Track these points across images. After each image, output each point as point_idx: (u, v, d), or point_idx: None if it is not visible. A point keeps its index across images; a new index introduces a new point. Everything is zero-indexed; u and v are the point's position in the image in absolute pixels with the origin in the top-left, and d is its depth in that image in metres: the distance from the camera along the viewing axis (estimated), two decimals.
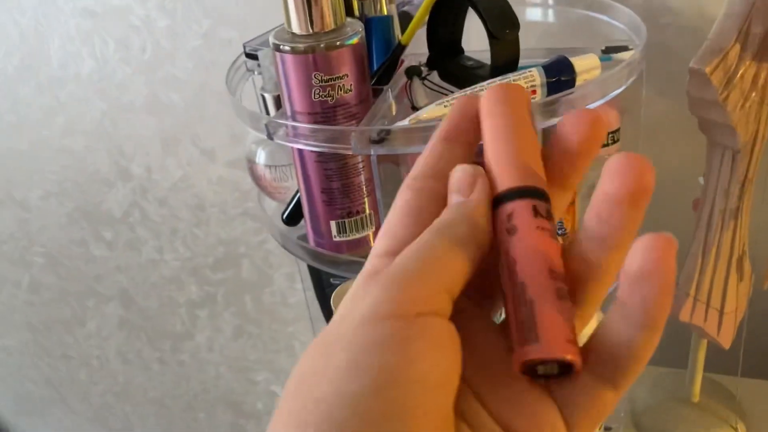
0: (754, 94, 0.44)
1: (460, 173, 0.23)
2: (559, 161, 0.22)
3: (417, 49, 0.47)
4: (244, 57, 0.50)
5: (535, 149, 0.23)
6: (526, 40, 0.56)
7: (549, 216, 0.22)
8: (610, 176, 0.20)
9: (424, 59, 0.46)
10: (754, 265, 0.55)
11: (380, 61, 0.45)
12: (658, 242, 0.20)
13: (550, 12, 0.54)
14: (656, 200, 0.59)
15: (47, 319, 1.13)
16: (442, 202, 0.23)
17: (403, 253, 0.21)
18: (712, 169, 0.49)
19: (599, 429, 0.60)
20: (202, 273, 0.96)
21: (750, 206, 0.51)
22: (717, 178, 0.49)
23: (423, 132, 0.36)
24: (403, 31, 0.46)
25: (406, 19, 0.48)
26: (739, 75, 0.43)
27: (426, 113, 0.36)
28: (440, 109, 0.36)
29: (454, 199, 0.22)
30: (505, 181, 0.22)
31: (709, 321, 0.54)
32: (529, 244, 0.22)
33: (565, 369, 0.21)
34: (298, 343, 1.00)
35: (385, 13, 0.45)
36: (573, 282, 0.21)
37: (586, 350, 0.21)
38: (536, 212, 0.22)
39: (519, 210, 0.22)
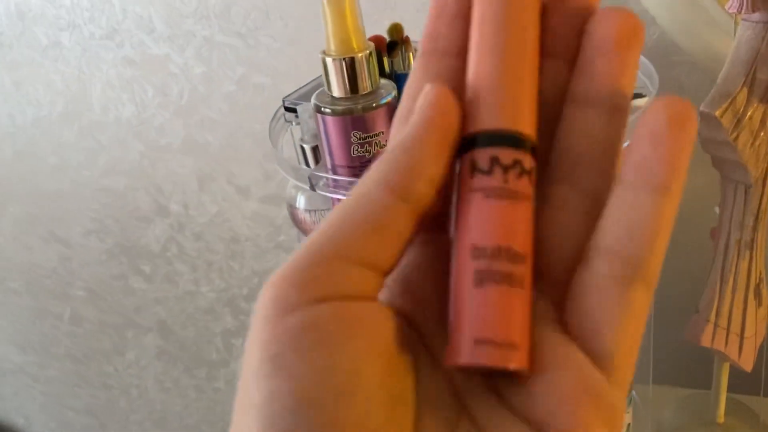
0: (762, 134, 0.47)
1: (419, 99, 0.19)
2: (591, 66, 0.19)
3: None
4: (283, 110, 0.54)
5: (527, 74, 0.18)
6: None
7: (515, 170, 0.17)
8: (593, 27, 0.18)
9: None
10: None
11: None
12: (672, 105, 0.17)
13: None
14: (674, 229, 0.63)
15: (88, 350, 1.17)
16: None
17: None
18: (726, 202, 0.52)
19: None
20: (237, 303, 1.00)
21: (765, 236, 0.53)
22: (731, 211, 0.52)
23: None
24: None
25: None
26: (747, 117, 0.46)
27: None
28: None
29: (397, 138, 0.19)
30: (470, 120, 0.18)
31: (730, 346, 0.56)
32: (459, 211, 0.18)
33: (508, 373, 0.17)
34: None
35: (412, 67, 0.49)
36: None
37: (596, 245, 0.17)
38: (491, 166, 0.17)
39: (465, 163, 0.18)
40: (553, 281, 0.19)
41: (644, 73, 0.49)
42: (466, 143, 0.18)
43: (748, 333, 0.55)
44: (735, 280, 0.54)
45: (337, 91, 0.41)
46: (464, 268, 0.17)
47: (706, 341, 0.56)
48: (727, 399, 0.63)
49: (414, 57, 0.49)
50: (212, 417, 1.17)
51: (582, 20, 0.19)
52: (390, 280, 0.19)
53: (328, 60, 0.40)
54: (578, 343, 0.18)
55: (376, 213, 0.18)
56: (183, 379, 1.14)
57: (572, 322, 0.18)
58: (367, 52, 0.41)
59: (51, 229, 1.05)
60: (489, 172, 0.17)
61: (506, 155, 0.18)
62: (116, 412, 1.25)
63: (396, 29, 0.49)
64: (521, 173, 0.18)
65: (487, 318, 0.17)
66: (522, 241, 0.17)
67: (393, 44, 0.49)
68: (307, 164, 0.51)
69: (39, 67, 0.88)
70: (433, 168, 0.18)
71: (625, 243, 0.17)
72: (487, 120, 0.18)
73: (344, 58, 0.40)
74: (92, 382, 1.22)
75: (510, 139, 0.18)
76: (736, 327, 0.55)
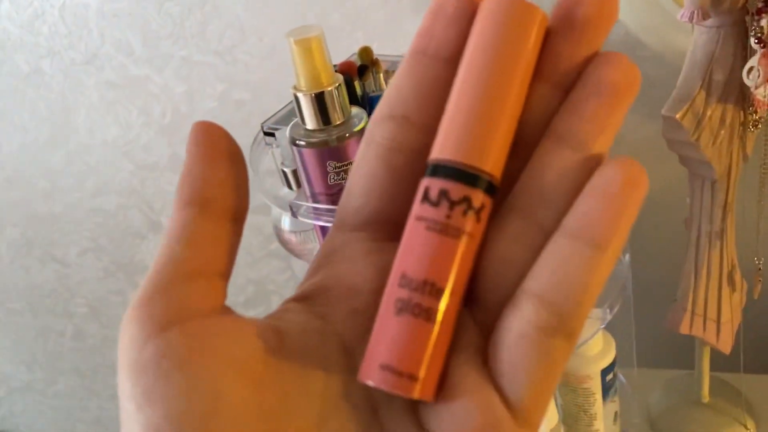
0: (723, 132, 0.49)
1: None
2: (556, 49, 0.18)
3: None
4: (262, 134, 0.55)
5: (508, 109, 0.18)
6: None
7: (461, 207, 0.17)
8: (594, 68, 0.18)
9: None
10: (748, 276, 0.59)
11: None
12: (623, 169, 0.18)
13: None
14: (649, 219, 0.67)
15: (93, 364, 1.20)
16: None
17: None
18: (695, 197, 0.54)
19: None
20: (235, 311, 1.02)
21: (734, 226, 0.55)
22: (700, 205, 0.54)
23: None
24: None
25: None
26: (707, 117, 0.48)
27: None
28: None
29: None
30: (437, 145, 0.18)
31: (708, 331, 0.58)
32: (404, 233, 0.18)
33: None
34: None
35: (384, 88, 0.51)
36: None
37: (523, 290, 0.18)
38: (439, 199, 0.17)
39: (421, 187, 0.18)
40: (489, 311, 0.19)
41: None
42: (429, 168, 0.18)
43: (724, 318, 0.58)
44: (708, 269, 0.56)
45: (310, 124, 0.43)
46: (391, 292, 0.18)
47: (684, 329, 0.59)
48: (710, 378, 0.66)
49: (384, 77, 0.51)
50: None
51: (587, 53, 0.18)
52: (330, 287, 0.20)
53: (300, 95, 0.42)
54: (493, 380, 0.18)
55: (185, 227, 0.19)
56: None
57: (491, 358, 0.18)
58: (336, 84, 0.42)
59: (47, 250, 1.06)
60: (436, 204, 0.17)
61: (456, 190, 0.17)
62: None
63: (365, 52, 0.51)
64: (467, 210, 0.17)
65: (396, 347, 0.17)
66: (453, 279, 0.17)
67: (363, 68, 0.50)
68: (290, 186, 0.53)
69: (22, 94, 0.89)
70: (207, 171, 0.20)
71: (553, 293, 0.17)
72: (448, 151, 0.18)
73: (314, 93, 0.42)
74: (100, 394, 1.24)
75: (464, 176, 0.17)
76: (712, 313, 0.57)
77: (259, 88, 0.79)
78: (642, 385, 0.68)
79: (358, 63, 0.50)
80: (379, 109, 0.20)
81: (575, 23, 0.18)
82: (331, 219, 0.44)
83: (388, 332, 0.17)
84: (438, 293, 0.17)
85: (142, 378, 0.17)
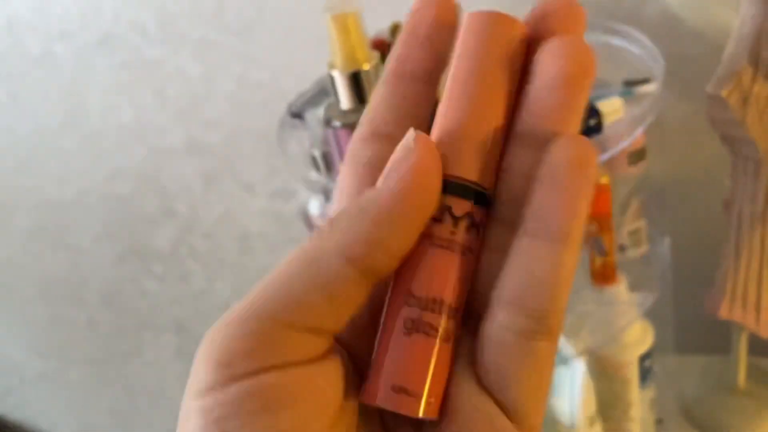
0: None
1: (399, 151, 0.18)
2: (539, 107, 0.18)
3: None
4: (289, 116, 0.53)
5: (495, 122, 0.18)
6: None
7: (464, 222, 0.18)
8: (541, 59, 0.17)
9: None
10: None
11: None
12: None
13: None
14: (686, 200, 0.64)
15: (106, 353, 1.19)
16: None
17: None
18: (737, 177, 0.52)
19: (654, 423, 0.63)
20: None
21: None
22: (742, 186, 0.52)
23: None
24: None
25: None
26: (754, 95, 0.46)
27: None
28: None
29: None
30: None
31: (748, 316, 0.57)
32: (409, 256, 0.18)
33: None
34: None
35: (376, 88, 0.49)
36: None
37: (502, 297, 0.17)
38: (442, 214, 0.17)
39: None
40: (475, 320, 0.18)
41: (649, 58, 0.49)
42: None
43: (764, 302, 0.56)
44: (749, 253, 0.54)
45: (346, 104, 0.41)
46: (396, 311, 0.17)
47: (724, 313, 0.57)
48: (748, 363, 0.64)
49: None
50: None
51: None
52: None
53: (336, 74, 0.40)
54: (488, 393, 0.18)
55: (331, 284, 0.17)
56: None
57: (481, 372, 0.18)
58: (373, 62, 0.40)
59: (60, 236, 1.05)
60: (440, 220, 0.17)
61: (460, 206, 0.17)
62: (139, 412, 1.26)
63: (396, 29, 0.49)
64: (471, 226, 0.18)
65: (407, 367, 0.17)
66: (458, 295, 0.18)
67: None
68: (318, 170, 0.51)
69: (34, 78, 0.88)
70: (402, 244, 0.17)
71: (525, 296, 0.17)
72: (449, 166, 0.17)
73: (351, 72, 0.40)
74: (113, 384, 1.24)
75: (466, 191, 0.17)
76: (752, 297, 0.56)
77: (278, 68, 0.77)
78: (677, 372, 0.67)
79: (390, 40, 0.49)
80: (361, 129, 0.19)
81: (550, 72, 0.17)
82: None
83: (396, 352, 0.17)
84: (447, 310, 0.17)
85: (221, 411, 0.17)
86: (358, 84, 0.41)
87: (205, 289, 1.02)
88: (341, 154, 0.43)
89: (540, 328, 0.17)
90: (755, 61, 0.46)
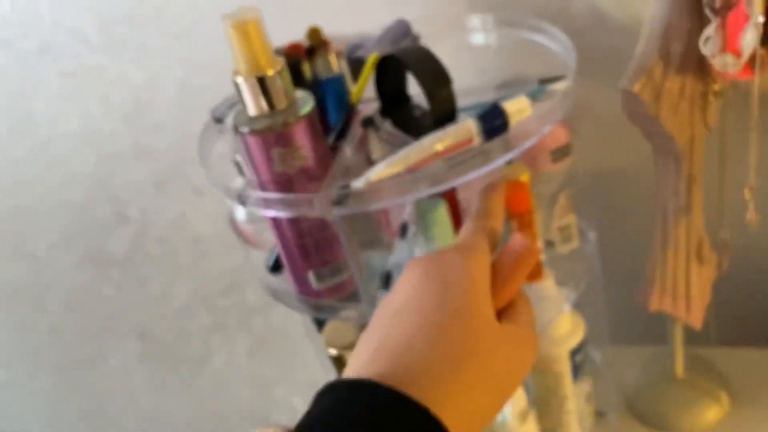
0: (683, 104, 0.48)
1: None
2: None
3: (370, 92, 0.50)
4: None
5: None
6: (471, 67, 0.59)
7: None
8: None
9: (377, 105, 0.50)
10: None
11: (337, 116, 0.49)
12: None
13: (492, 36, 0.57)
14: (619, 192, 0.65)
15: (72, 359, 1.18)
16: None
17: None
18: (659, 171, 0.53)
19: (593, 416, 0.64)
20: (211, 301, 1.01)
21: (701, 199, 0.54)
22: (665, 180, 0.53)
23: (379, 191, 0.40)
24: (354, 78, 0.50)
25: (359, 65, 0.52)
26: (666, 89, 0.47)
27: (374, 175, 0.39)
28: (388, 169, 0.39)
29: None
30: None
31: (678, 307, 0.58)
32: None
33: None
34: (312, 356, 1.05)
35: (335, 70, 0.49)
36: None
37: None
38: None
39: None
40: None
41: (566, 51, 0.49)
42: None
43: (693, 293, 0.57)
44: (676, 246, 0.55)
45: (253, 110, 0.41)
46: None
47: (653, 305, 0.58)
48: (685, 352, 0.65)
49: (336, 59, 0.49)
50: (203, 414, 1.19)
51: None
52: None
53: (240, 80, 0.40)
54: None
55: None
56: (169, 379, 1.15)
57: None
58: (279, 67, 0.40)
59: (17, 244, 1.04)
60: None
61: None
62: (108, 417, 1.26)
63: (314, 33, 0.49)
64: None
65: None
66: None
67: (312, 49, 0.48)
68: (243, 175, 0.51)
69: None
70: None
71: None
72: None
73: (255, 78, 0.40)
74: (81, 389, 1.23)
75: None
76: (681, 289, 0.56)
77: (220, 71, 0.77)
78: (618, 363, 0.67)
79: (307, 45, 0.49)
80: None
81: None
82: (281, 208, 0.43)
83: None
84: None
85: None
86: (263, 89, 0.40)
87: (164, 294, 1.02)
88: (251, 160, 0.43)
89: None
90: (666, 56, 0.46)
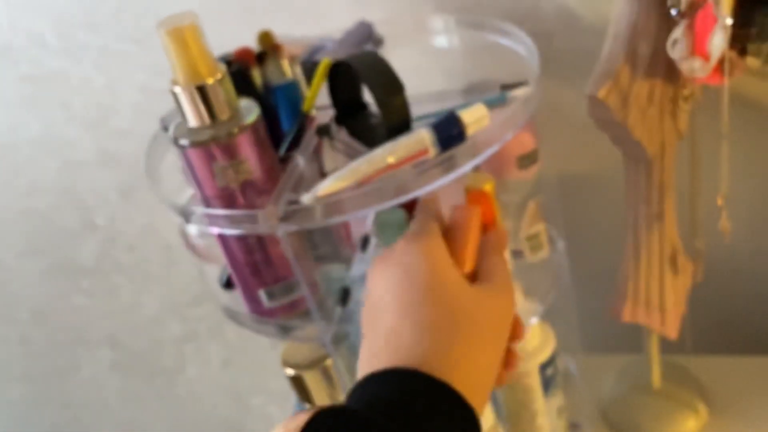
0: (651, 109, 0.45)
1: None
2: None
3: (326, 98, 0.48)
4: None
5: None
6: (437, 70, 0.57)
7: None
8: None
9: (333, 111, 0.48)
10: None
11: (290, 124, 0.46)
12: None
13: (455, 38, 0.55)
14: (588, 201, 0.62)
15: (43, 370, 1.15)
16: None
17: None
18: (630, 178, 0.51)
19: (566, 430, 0.62)
20: (182, 311, 0.98)
21: (674, 206, 0.52)
22: (635, 187, 0.51)
23: (337, 204, 0.37)
24: (309, 84, 0.47)
25: (315, 71, 0.49)
26: (633, 94, 0.44)
27: (322, 190, 0.37)
28: (337, 184, 0.37)
29: None
30: None
31: (652, 318, 0.56)
32: None
33: None
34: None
35: (288, 76, 0.46)
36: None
37: None
38: None
39: None
40: None
41: (529, 54, 0.47)
42: None
43: (668, 303, 0.55)
44: (648, 254, 0.53)
45: (193, 121, 0.39)
46: None
47: (627, 317, 0.56)
48: (662, 362, 0.63)
49: (289, 64, 0.47)
50: (178, 425, 1.17)
51: None
52: None
53: (178, 90, 0.38)
54: None
55: None
56: (142, 390, 1.12)
57: None
58: (219, 75, 0.38)
59: None
60: None
61: None
62: (82, 427, 1.23)
63: (265, 37, 0.47)
64: None
65: None
66: None
67: (263, 54, 0.46)
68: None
69: None
70: None
71: None
72: None
73: (194, 87, 0.37)
74: (54, 401, 1.20)
75: None
76: (654, 299, 0.54)
77: None
78: (592, 373, 0.66)
79: (258, 50, 0.46)
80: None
81: None
82: (226, 225, 0.40)
83: None
84: None
85: None
86: (203, 99, 0.38)
87: (135, 303, 0.99)
88: (193, 174, 0.40)
89: None
90: (633, 58, 0.44)
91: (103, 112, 0.80)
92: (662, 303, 0.55)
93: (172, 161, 0.54)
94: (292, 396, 0.48)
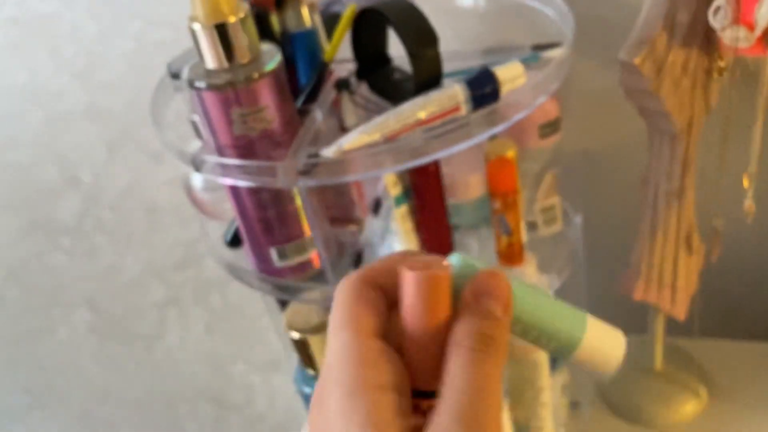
0: (685, 81, 0.44)
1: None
2: None
3: (345, 52, 0.45)
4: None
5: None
6: (458, 31, 0.54)
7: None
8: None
9: (352, 66, 0.45)
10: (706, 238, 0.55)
11: (307, 75, 0.44)
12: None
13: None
14: (604, 177, 0.59)
15: (16, 330, 1.12)
16: None
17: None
18: (653, 152, 0.49)
19: (567, 407, 0.61)
20: (165, 274, 0.95)
21: (694, 186, 0.51)
22: (658, 161, 0.49)
23: (350, 162, 0.35)
24: (329, 35, 0.45)
25: (334, 21, 0.47)
26: (668, 63, 0.43)
27: (348, 144, 0.35)
28: (363, 138, 0.35)
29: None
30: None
31: (663, 297, 0.54)
32: None
33: None
34: (271, 333, 1.00)
35: (308, 24, 0.44)
36: None
37: None
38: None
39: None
40: None
41: (561, 20, 0.45)
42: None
43: (679, 284, 0.54)
44: (665, 232, 0.51)
45: (211, 62, 0.36)
46: None
47: (638, 294, 0.54)
48: (665, 343, 0.62)
49: (308, 11, 0.44)
50: (156, 391, 1.14)
51: None
52: None
53: (197, 27, 0.35)
54: None
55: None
56: (120, 355, 1.09)
57: None
58: (241, 15, 0.35)
59: None
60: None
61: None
62: (55, 391, 1.20)
63: None
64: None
65: None
66: None
67: (281, 0, 0.43)
68: (200, 137, 0.46)
69: None
70: None
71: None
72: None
73: (214, 25, 0.35)
74: (26, 363, 1.17)
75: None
76: (667, 279, 0.53)
77: (180, 26, 0.71)
78: None
79: None
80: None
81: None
82: (241, 176, 0.38)
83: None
84: None
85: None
86: (224, 39, 0.35)
87: (115, 264, 0.96)
88: (207, 119, 0.38)
89: None
90: (670, 26, 0.42)
91: (93, 62, 0.76)
92: (674, 283, 0.53)
93: (175, 110, 0.51)
94: (274, 365, 0.46)
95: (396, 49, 0.45)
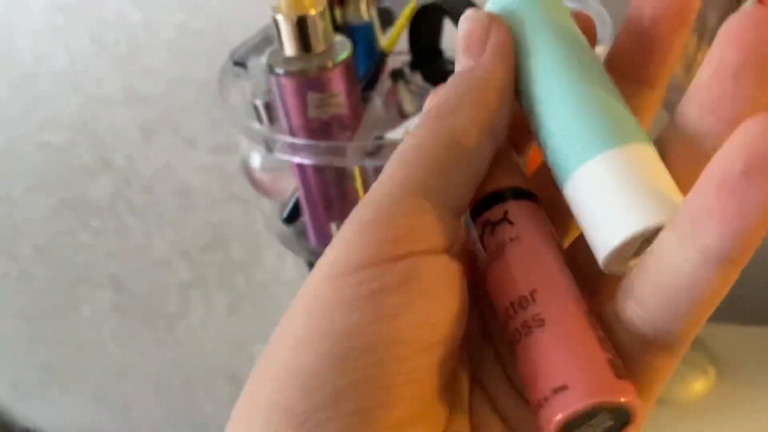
0: None
1: (466, 23, 0.18)
2: (637, 49, 0.18)
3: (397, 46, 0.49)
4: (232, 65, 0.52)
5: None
6: None
7: (488, 228, 0.18)
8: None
9: (404, 57, 0.49)
10: None
11: (363, 65, 0.47)
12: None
13: None
14: None
15: (40, 307, 1.15)
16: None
17: (384, 171, 0.17)
18: None
19: None
20: (192, 255, 0.99)
21: None
22: None
23: None
24: (382, 27, 0.49)
25: (385, 15, 0.50)
26: (698, 63, 0.47)
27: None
28: None
29: (458, 65, 0.18)
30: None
31: None
32: (537, 254, 0.17)
33: (619, 417, 0.16)
34: None
35: (365, 17, 0.47)
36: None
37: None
38: (474, 240, 0.18)
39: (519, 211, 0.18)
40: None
41: (598, 20, 0.49)
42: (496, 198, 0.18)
43: None
44: None
45: (289, 51, 0.40)
46: (571, 312, 0.17)
47: None
48: None
49: (369, 6, 0.48)
50: (174, 369, 1.18)
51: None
52: None
53: (279, 18, 0.39)
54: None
55: (476, 161, 0.17)
56: (141, 333, 1.13)
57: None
58: (321, 8, 0.39)
59: None
60: (476, 243, 0.18)
61: (480, 222, 0.18)
62: (75, 368, 1.24)
63: None
64: (489, 227, 0.18)
65: (609, 355, 0.16)
66: (523, 284, 0.17)
67: None
68: (261, 122, 0.49)
69: None
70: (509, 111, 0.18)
71: (653, 307, 0.16)
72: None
73: (296, 17, 0.38)
74: (47, 339, 1.20)
75: (478, 207, 0.18)
76: None
77: (222, 18, 0.74)
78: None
79: None
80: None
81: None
82: (311, 156, 0.41)
83: (526, 364, 0.17)
84: (523, 304, 0.17)
85: (380, 286, 0.16)
86: (303, 30, 0.39)
87: (143, 245, 0.99)
88: (283, 103, 0.41)
89: (660, 343, 0.17)
90: (701, 28, 0.46)
91: (135, 49, 0.79)
92: None
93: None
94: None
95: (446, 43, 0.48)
